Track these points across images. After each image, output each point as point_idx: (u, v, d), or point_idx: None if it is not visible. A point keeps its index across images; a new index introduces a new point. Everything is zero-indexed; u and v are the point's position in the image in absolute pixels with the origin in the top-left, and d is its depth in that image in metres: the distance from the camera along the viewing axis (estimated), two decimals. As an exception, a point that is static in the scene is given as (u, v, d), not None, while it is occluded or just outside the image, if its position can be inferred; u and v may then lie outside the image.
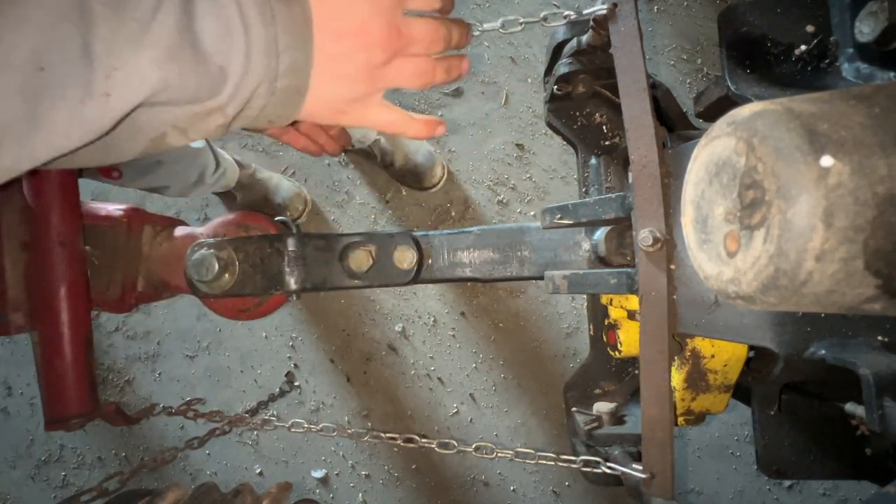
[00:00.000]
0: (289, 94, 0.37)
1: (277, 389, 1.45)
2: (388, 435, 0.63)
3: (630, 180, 0.51)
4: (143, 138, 0.34)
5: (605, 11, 0.55)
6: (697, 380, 0.57)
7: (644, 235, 0.48)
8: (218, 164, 1.20)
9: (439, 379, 1.46)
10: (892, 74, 0.43)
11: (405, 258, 0.65)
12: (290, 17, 0.34)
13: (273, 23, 0.33)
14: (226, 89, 0.33)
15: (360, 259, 0.65)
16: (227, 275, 0.64)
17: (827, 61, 0.49)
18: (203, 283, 0.64)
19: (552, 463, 0.57)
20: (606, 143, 0.73)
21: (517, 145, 1.51)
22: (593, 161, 0.74)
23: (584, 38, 0.63)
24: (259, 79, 0.34)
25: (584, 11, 0.57)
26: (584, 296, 0.92)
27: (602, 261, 0.61)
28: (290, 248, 0.66)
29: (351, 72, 0.39)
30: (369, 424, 1.45)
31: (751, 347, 0.56)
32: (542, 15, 0.60)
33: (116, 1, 0.29)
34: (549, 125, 0.76)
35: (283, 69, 0.35)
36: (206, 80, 0.32)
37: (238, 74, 0.33)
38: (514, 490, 1.42)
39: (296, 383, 1.47)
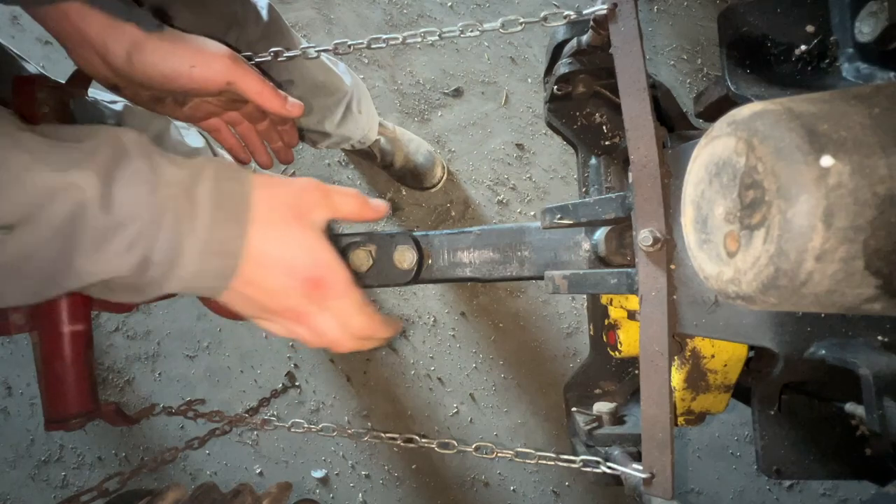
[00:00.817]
0: (197, 292, 0.45)
1: (280, 385, 1.45)
2: (388, 435, 0.63)
3: (630, 180, 0.51)
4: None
5: (605, 11, 0.55)
6: (697, 380, 0.57)
7: (644, 235, 0.48)
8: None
9: (439, 379, 1.46)
10: (892, 74, 0.43)
11: (405, 258, 0.65)
12: (213, 279, 0.43)
13: (201, 264, 0.42)
14: (149, 283, 0.42)
15: (360, 259, 0.65)
16: (227, 275, 0.64)
17: (827, 61, 0.49)
18: (203, 283, 0.64)
19: (552, 463, 0.57)
20: (606, 143, 0.73)
21: (517, 145, 1.51)
22: (593, 161, 0.74)
23: (584, 38, 0.63)
24: (176, 289, 0.43)
25: (584, 11, 0.57)
26: (584, 296, 0.92)
27: (602, 261, 0.61)
28: (290, 248, 0.66)
29: (249, 314, 0.49)
30: (369, 424, 1.45)
31: (751, 347, 0.56)
32: (542, 15, 0.60)
33: (97, 238, 0.38)
34: (549, 125, 0.76)
35: (200, 288, 0.44)
36: (141, 281, 0.41)
37: (160, 285, 0.42)
38: (514, 490, 1.42)
39: (296, 383, 1.47)
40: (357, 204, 0.50)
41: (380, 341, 0.53)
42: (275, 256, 0.44)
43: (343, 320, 0.48)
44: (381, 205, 0.53)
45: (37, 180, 0.36)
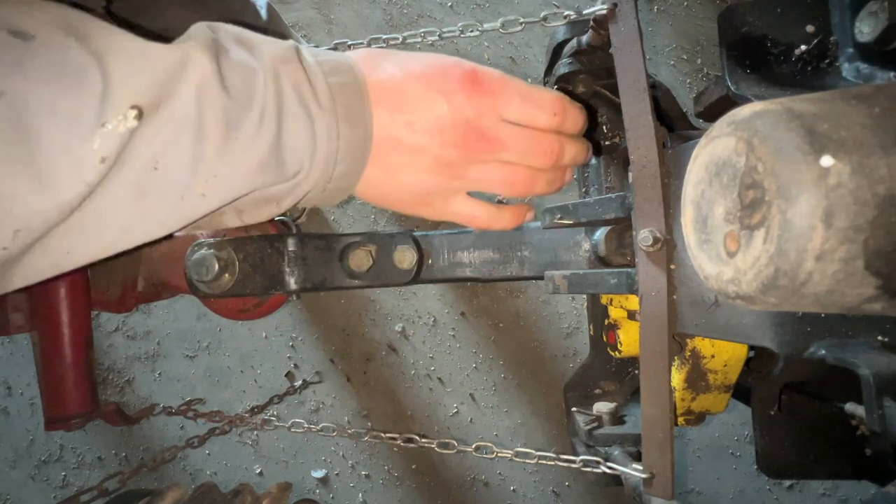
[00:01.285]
0: (335, 193, 0.41)
1: (299, 382, 1.44)
2: (388, 435, 0.63)
3: (630, 180, 0.51)
4: (198, 222, 0.38)
5: (605, 11, 0.55)
6: (697, 380, 0.57)
7: (644, 235, 0.48)
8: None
9: (439, 379, 1.46)
10: (892, 74, 0.43)
11: (405, 258, 0.65)
12: (352, 136, 0.38)
13: (337, 139, 0.37)
14: (288, 185, 0.38)
15: (360, 259, 0.65)
16: (227, 275, 0.64)
17: (827, 61, 0.49)
18: (203, 283, 0.64)
19: (552, 463, 0.57)
20: (606, 143, 0.73)
21: (517, 145, 1.51)
22: (593, 161, 0.74)
23: (584, 38, 0.63)
24: (315, 182, 0.38)
25: (584, 11, 0.57)
26: (584, 296, 0.92)
27: (602, 261, 0.61)
28: (290, 249, 0.66)
29: (422, 165, 0.41)
30: (369, 424, 1.45)
31: (751, 347, 0.56)
32: (542, 15, 0.60)
33: (226, 120, 0.33)
34: (549, 125, 0.75)
35: (336, 175, 0.39)
36: (281, 181, 0.37)
37: (302, 177, 0.37)
38: (514, 490, 1.42)
39: (296, 383, 1.47)
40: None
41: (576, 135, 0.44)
42: (412, 74, 0.38)
43: (529, 103, 0.40)
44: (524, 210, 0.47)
45: (159, 57, 0.32)
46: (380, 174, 0.41)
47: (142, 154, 0.31)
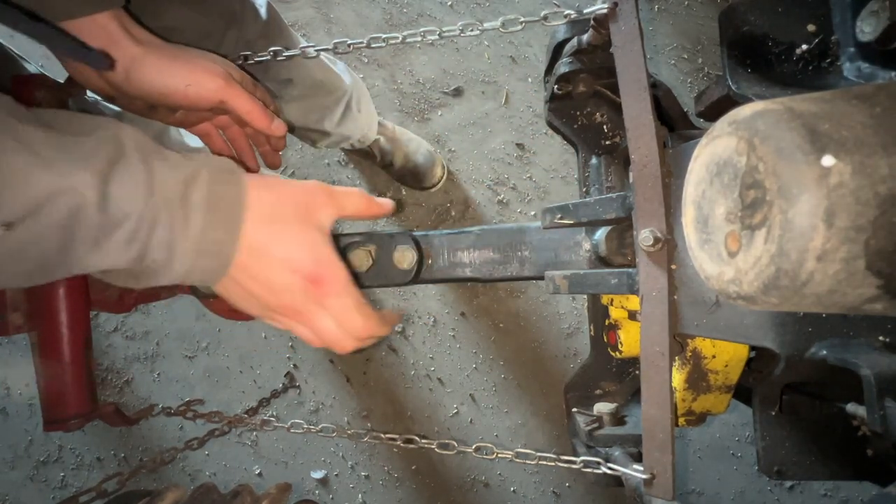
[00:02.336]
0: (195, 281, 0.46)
1: (280, 385, 1.44)
2: (388, 436, 0.63)
3: (631, 180, 0.50)
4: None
5: (605, 10, 0.55)
6: (698, 380, 0.57)
7: (645, 235, 0.48)
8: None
9: (439, 379, 1.46)
10: (893, 74, 0.43)
11: (405, 258, 0.65)
12: (205, 267, 0.44)
13: (192, 263, 0.43)
14: (144, 267, 0.43)
15: (360, 259, 0.65)
16: (226, 275, 0.64)
17: (828, 61, 0.49)
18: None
19: (552, 464, 0.57)
20: (607, 142, 0.73)
21: (517, 145, 1.51)
22: (594, 161, 0.74)
23: (585, 37, 0.63)
24: (171, 280, 0.44)
25: (585, 10, 0.57)
26: (585, 296, 0.91)
27: (602, 261, 0.61)
28: (289, 249, 0.66)
29: (252, 304, 0.49)
30: (369, 425, 1.45)
31: (752, 348, 0.56)
32: (542, 14, 0.60)
33: (95, 236, 0.39)
34: (550, 125, 0.75)
35: (195, 279, 0.45)
36: (136, 266, 0.42)
37: (159, 275, 0.43)
38: (514, 491, 1.41)
39: (296, 384, 1.47)
40: (363, 202, 0.52)
41: (379, 338, 0.54)
42: (275, 253, 0.45)
43: (341, 319, 0.49)
44: (386, 202, 0.54)
45: (37, 182, 0.36)
46: (228, 289, 0.48)
47: (13, 245, 0.37)
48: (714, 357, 0.56)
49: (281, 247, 0.45)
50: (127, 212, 0.39)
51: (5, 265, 0.38)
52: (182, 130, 1.09)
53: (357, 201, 0.51)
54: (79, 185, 0.38)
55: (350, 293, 0.49)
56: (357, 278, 0.66)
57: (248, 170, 0.73)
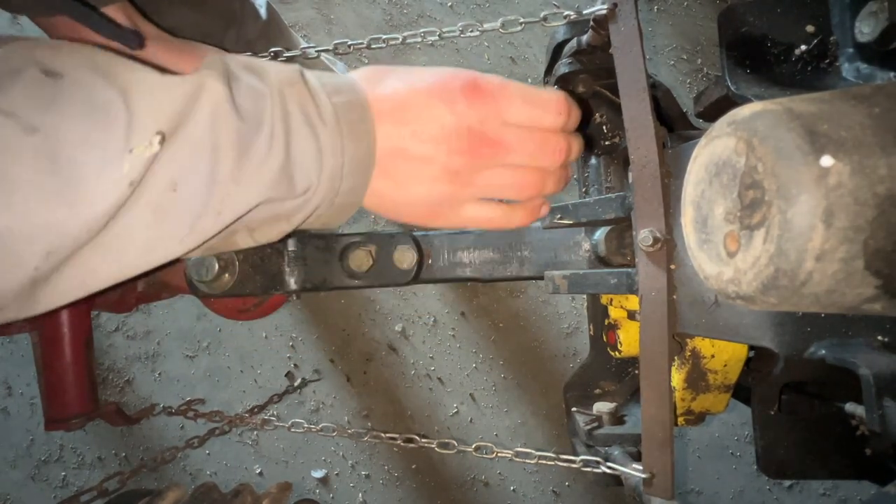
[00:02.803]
0: (343, 209, 0.42)
1: (298, 381, 1.44)
2: (388, 435, 0.63)
3: (630, 180, 0.51)
4: (213, 243, 0.39)
5: (605, 11, 0.55)
6: (697, 380, 0.57)
7: (644, 235, 0.48)
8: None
9: (439, 379, 1.46)
10: (892, 74, 0.43)
11: (405, 258, 0.65)
12: (356, 151, 0.39)
13: (342, 155, 0.39)
14: (297, 202, 0.39)
15: (360, 259, 0.65)
16: (226, 275, 0.64)
17: (827, 61, 0.49)
18: (203, 283, 0.64)
19: (552, 463, 0.57)
20: (606, 142, 0.73)
21: (517, 145, 1.51)
22: (593, 161, 0.74)
23: (584, 38, 0.63)
24: (323, 197, 0.39)
25: (584, 11, 0.57)
26: (584, 296, 0.92)
27: (602, 261, 0.61)
28: (289, 248, 0.66)
29: (430, 175, 0.41)
30: (369, 424, 1.45)
31: (751, 347, 0.56)
32: (542, 15, 0.60)
33: (239, 141, 0.35)
34: (549, 125, 0.75)
35: (343, 190, 0.40)
36: (290, 198, 0.38)
37: (311, 194, 0.39)
38: (514, 490, 1.42)
39: (296, 382, 1.47)
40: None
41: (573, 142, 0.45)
42: (416, 86, 0.40)
43: (531, 106, 0.41)
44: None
45: (176, 86, 0.34)
46: (390, 186, 0.42)
47: (162, 176, 0.33)
48: (713, 357, 0.56)
49: (417, 80, 0.40)
50: (258, 117, 0.36)
51: (163, 213, 0.34)
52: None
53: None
54: (211, 85, 0.35)
55: (510, 82, 0.41)
56: (357, 278, 0.66)
57: None
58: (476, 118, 0.40)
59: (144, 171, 0.32)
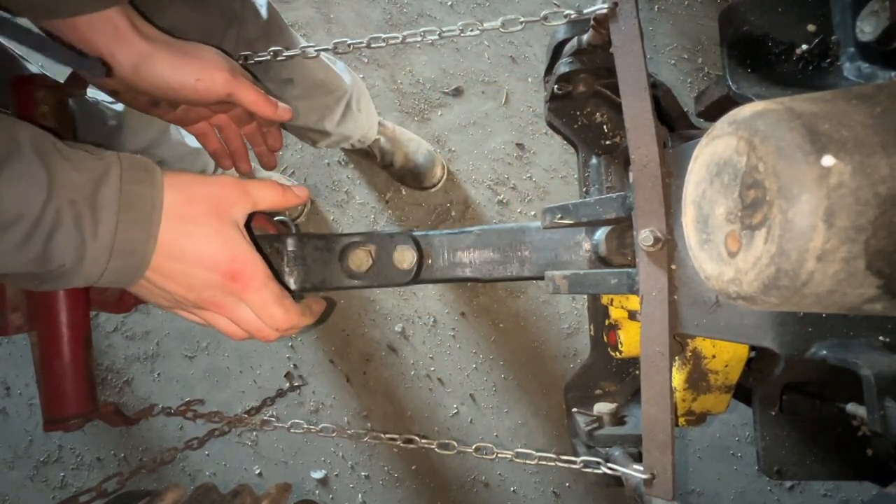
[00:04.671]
0: (111, 281, 0.45)
1: (287, 384, 1.44)
2: (388, 436, 0.63)
3: (631, 180, 0.50)
4: None
5: (605, 10, 0.55)
6: (698, 380, 0.57)
7: (645, 235, 0.48)
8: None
9: (439, 379, 1.46)
10: (893, 74, 0.43)
11: (405, 258, 0.65)
12: (120, 268, 0.44)
13: (106, 264, 0.43)
14: (54, 276, 0.42)
15: (360, 259, 0.65)
16: (226, 275, 0.64)
17: (828, 61, 0.49)
18: (202, 283, 0.64)
19: (552, 464, 0.57)
20: (607, 142, 0.73)
21: (517, 145, 1.51)
22: (594, 161, 0.74)
23: (585, 37, 0.63)
24: (86, 277, 0.43)
25: (585, 11, 0.57)
26: (585, 296, 0.91)
27: (603, 261, 0.61)
28: (289, 248, 0.66)
29: (170, 300, 0.49)
30: (369, 425, 1.45)
31: (752, 348, 0.56)
32: (542, 14, 0.60)
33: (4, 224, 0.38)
34: (550, 125, 0.75)
35: (107, 274, 0.44)
36: (42, 270, 0.42)
37: (67, 270, 0.42)
38: (514, 491, 1.41)
39: (296, 383, 1.47)
40: (276, 193, 0.52)
41: (305, 328, 0.55)
42: (192, 252, 0.46)
43: (261, 313, 0.50)
44: (301, 190, 0.55)
45: None
46: (143, 287, 0.48)
47: None
48: (714, 357, 0.56)
49: (197, 245, 0.46)
50: (18, 213, 0.38)
51: None
52: (182, 131, 1.09)
53: (270, 193, 0.51)
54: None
55: (269, 287, 0.49)
56: (357, 278, 0.66)
57: (240, 171, 0.73)
58: (220, 292, 0.48)
59: None
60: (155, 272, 0.45)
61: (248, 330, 0.51)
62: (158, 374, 1.51)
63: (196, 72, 0.56)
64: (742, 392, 0.59)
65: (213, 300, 0.48)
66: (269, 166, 0.74)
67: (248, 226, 0.52)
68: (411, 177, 1.45)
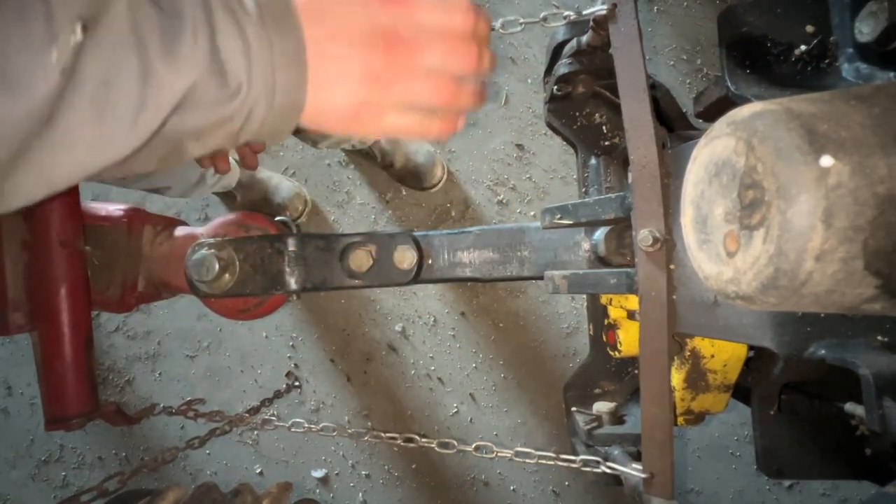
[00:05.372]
0: (285, 111, 0.41)
1: (284, 386, 1.45)
2: (388, 435, 0.63)
3: (630, 180, 0.51)
4: (163, 149, 0.39)
5: (604, 12, 0.55)
6: (697, 380, 0.57)
7: (644, 235, 0.48)
8: (218, 164, 1.20)
9: (439, 379, 1.46)
10: (891, 74, 0.43)
11: (405, 258, 0.65)
12: (284, 46, 0.39)
13: (270, 48, 0.38)
14: (235, 103, 0.38)
15: (360, 259, 0.65)
16: (227, 275, 0.64)
17: (827, 61, 0.49)
18: (203, 283, 0.64)
19: (552, 462, 0.57)
20: (606, 143, 0.73)
21: (517, 145, 1.51)
22: (593, 161, 0.74)
23: (584, 38, 0.63)
24: (259, 95, 0.39)
25: (584, 12, 0.57)
26: (584, 296, 0.92)
27: (602, 261, 0.61)
28: (290, 249, 0.66)
29: (349, 77, 0.42)
30: (369, 424, 1.45)
31: (750, 347, 0.56)
32: (541, 15, 0.60)
33: (162, 36, 0.35)
34: (549, 125, 0.76)
35: (280, 87, 0.40)
36: (225, 98, 0.38)
37: (245, 91, 0.38)
38: (513, 490, 1.42)
39: (296, 382, 1.47)
40: None
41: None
42: None
43: (439, 13, 0.43)
44: None
45: None
46: (312, 89, 0.42)
47: (92, 70, 0.34)
48: (713, 356, 0.56)
49: None
50: (178, 9, 0.36)
51: (97, 113, 0.34)
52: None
53: None
54: None
55: None
56: (357, 278, 0.66)
57: (217, 170, 0.72)
58: (389, 20, 0.42)
59: (73, 61, 0.33)
60: (311, 43, 0.39)
61: (447, 58, 0.43)
62: (160, 374, 1.51)
63: None
64: (741, 391, 0.59)
65: (386, 46, 0.41)
66: (250, 167, 0.73)
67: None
68: (411, 177, 1.45)
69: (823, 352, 0.42)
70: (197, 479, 1.47)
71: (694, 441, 1.43)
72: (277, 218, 0.72)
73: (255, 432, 1.46)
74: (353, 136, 1.17)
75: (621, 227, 0.59)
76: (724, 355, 0.56)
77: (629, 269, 0.52)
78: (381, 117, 0.45)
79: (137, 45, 0.34)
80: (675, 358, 0.56)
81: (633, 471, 0.50)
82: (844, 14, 0.46)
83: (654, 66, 1.52)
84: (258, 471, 1.46)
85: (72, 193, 0.68)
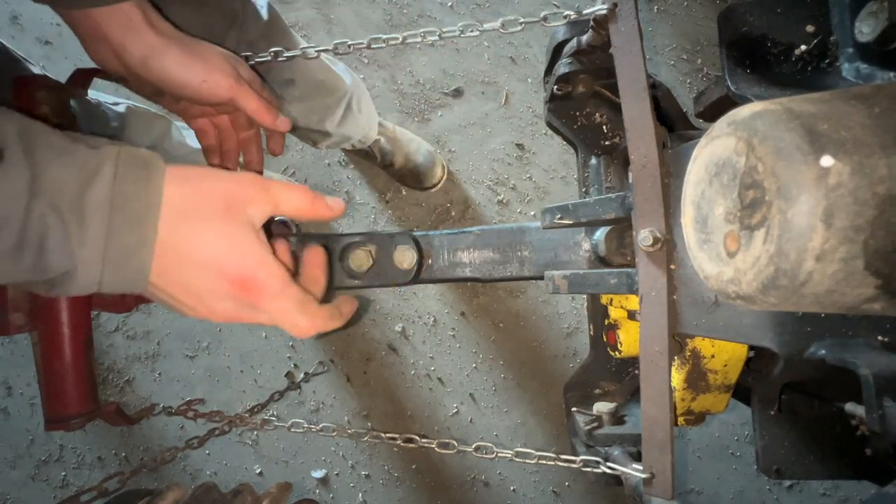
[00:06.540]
0: (120, 282, 0.41)
1: (288, 384, 1.44)
2: (388, 435, 0.63)
3: (630, 180, 0.51)
4: None
5: (605, 11, 0.55)
6: (697, 380, 0.57)
7: (644, 235, 0.48)
8: (218, 165, 1.20)
9: (439, 379, 1.46)
10: (892, 74, 0.43)
11: (405, 258, 0.65)
12: (116, 274, 0.40)
13: (100, 274, 0.39)
14: (58, 281, 0.39)
15: (360, 259, 0.65)
16: (227, 275, 0.64)
17: (827, 61, 0.49)
18: (203, 283, 0.64)
19: (552, 463, 0.57)
20: (606, 143, 0.73)
21: (517, 145, 1.51)
22: (593, 161, 0.74)
23: (585, 38, 0.63)
24: (89, 278, 0.39)
25: (585, 11, 0.57)
26: (584, 296, 0.92)
27: (602, 261, 0.61)
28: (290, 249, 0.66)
29: (183, 307, 0.45)
30: (369, 424, 1.45)
31: (751, 347, 0.56)
32: (542, 15, 0.60)
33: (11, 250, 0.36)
34: (549, 125, 0.76)
35: (106, 276, 0.40)
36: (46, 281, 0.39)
37: (69, 276, 0.39)
38: (514, 490, 1.42)
39: (297, 382, 1.47)
40: (304, 198, 0.46)
41: (337, 327, 0.50)
42: (195, 255, 0.40)
43: (283, 322, 0.45)
44: (336, 202, 0.49)
45: None
46: (155, 296, 0.44)
47: None
48: (713, 357, 0.56)
49: (201, 247, 0.40)
50: (4, 216, 0.34)
51: None
52: (184, 131, 1.09)
53: (297, 197, 0.45)
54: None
55: (288, 294, 0.44)
56: (357, 278, 0.66)
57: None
58: (235, 307, 0.44)
59: None
60: (160, 278, 0.41)
61: (286, 325, 0.46)
62: (159, 374, 1.51)
63: (202, 73, 0.57)
64: (741, 391, 0.59)
65: (227, 314, 0.43)
66: (275, 153, 0.75)
67: (268, 230, 0.46)
68: (411, 177, 1.45)
69: (824, 352, 0.42)
70: (197, 479, 1.47)
71: (694, 441, 1.43)
72: (277, 218, 0.71)
73: (255, 433, 1.46)
74: (353, 137, 1.17)
75: (622, 227, 0.59)
76: (724, 355, 0.56)
77: (629, 269, 0.52)
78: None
79: None
80: (676, 358, 0.56)
81: (634, 471, 0.50)
82: (844, 14, 0.46)
83: (655, 65, 1.52)
84: (258, 471, 1.46)
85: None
